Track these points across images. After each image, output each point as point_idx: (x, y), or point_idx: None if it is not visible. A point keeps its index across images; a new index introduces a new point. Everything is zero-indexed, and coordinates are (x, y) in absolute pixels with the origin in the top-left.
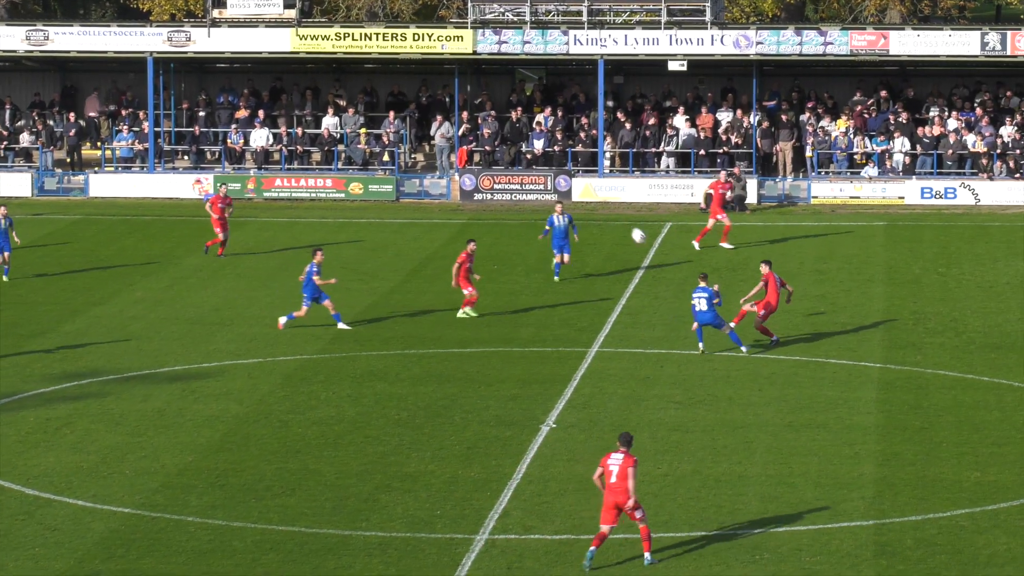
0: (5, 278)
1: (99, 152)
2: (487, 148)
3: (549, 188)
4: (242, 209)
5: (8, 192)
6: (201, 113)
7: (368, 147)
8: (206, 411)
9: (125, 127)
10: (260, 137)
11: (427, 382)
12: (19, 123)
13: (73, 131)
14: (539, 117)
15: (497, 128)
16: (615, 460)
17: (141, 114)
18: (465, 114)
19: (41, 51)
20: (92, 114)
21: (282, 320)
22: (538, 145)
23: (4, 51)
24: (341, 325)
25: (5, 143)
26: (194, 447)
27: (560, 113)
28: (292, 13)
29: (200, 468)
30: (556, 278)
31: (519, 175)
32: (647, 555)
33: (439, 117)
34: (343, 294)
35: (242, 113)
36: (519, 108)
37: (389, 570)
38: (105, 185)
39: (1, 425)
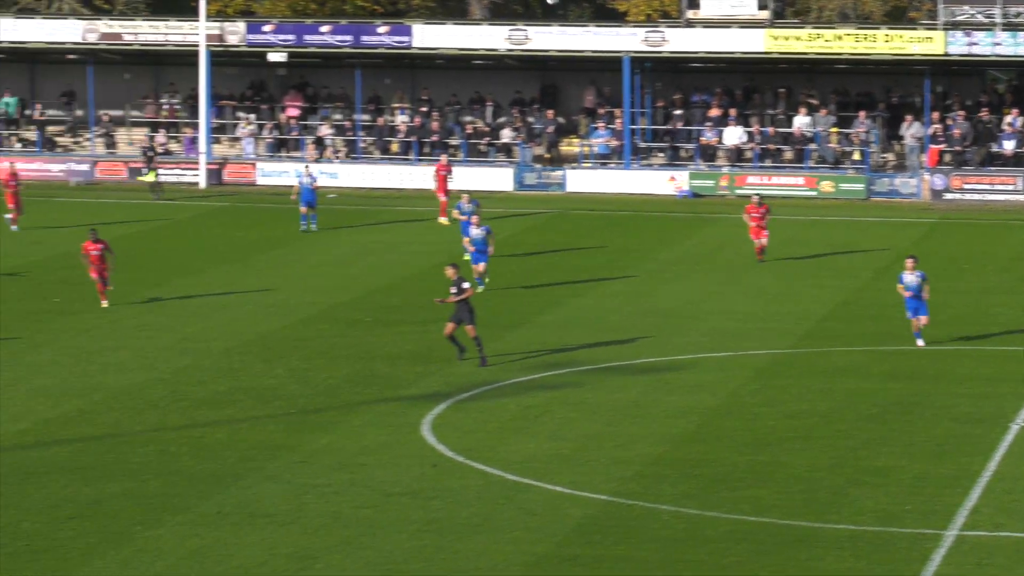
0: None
1: (577, 148)
2: (957, 148)
3: (1020, 188)
4: (713, 205)
5: (489, 186)
6: (676, 111)
7: (839, 146)
8: (679, 403)
9: (602, 124)
10: (733, 135)
11: (897, 379)
12: (500, 120)
13: (552, 128)
14: (1008, 118)
15: (968, 129)
16: None
17: (617, 112)
18: (936, 114)
19: (522, 50)
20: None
21: None
22: (1008, 146)
23: (486, 50)
24: None
25: (487, 139)
26: (667, 437)
27: None
28: (765, 14)
29: (673, 458)
30: None
31: (989, 175)
32: None
33: (909, 117)
34: (816, 291)
35: (715, 111)
36: (987, 109)
37: (859, 563)
38: (582, 180)
39: (482, 412)
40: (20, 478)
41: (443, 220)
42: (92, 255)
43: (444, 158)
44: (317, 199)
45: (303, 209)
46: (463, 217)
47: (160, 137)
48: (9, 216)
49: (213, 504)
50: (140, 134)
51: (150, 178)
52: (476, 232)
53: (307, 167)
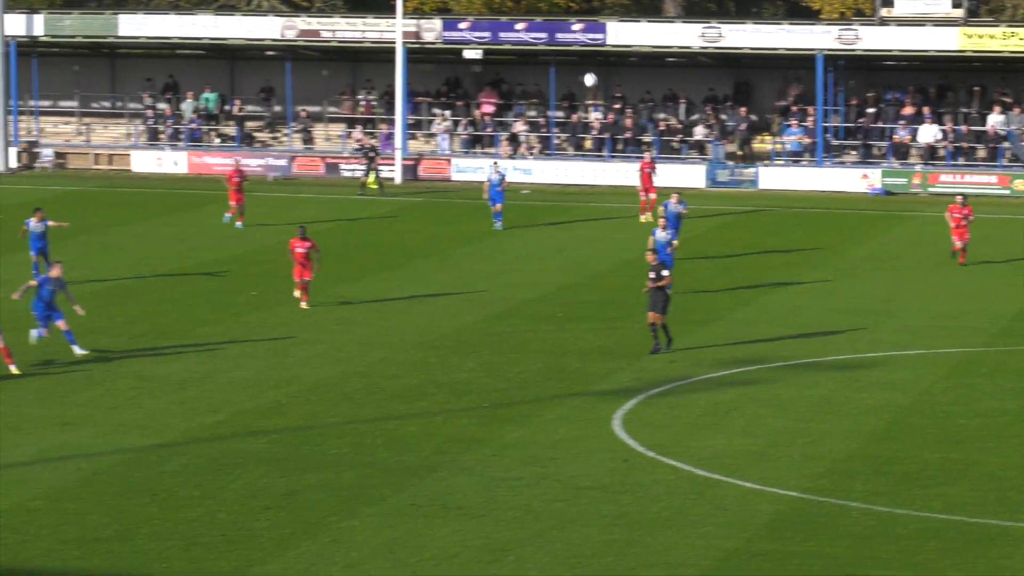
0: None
1: (769, 146)
2: None
3: None
4: (906, 203)
5: (681, 183)
6: (869, 109)
7: None
8: (870, 400)
9: (795, 122)
10: (927, 133)
11: None
12: (693, 117)
13: (744, 125)
14: None
15: None
16: None
17: (810, 109)
18: None
19: (715, 47)
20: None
21: None
22: None
23: (680, 47)
24: None
25: (680, 136)
26: (858, 434)
27: None
28: (959, 12)
29: (864, 455)
30: None
31: None
32: None
33: None
34: (1009, 289)
35: (908, 109)
36: None
37: None
38: (774, 177)
39: (673, 408)
40: (216, 469)
41: (644, 218)
42: (297, 252)
43: (648, 155)
44: (504, 197)
45: (496, 207)
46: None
47: (356, 133)
48: (229, 214)
49: (407, 496)
50: (336, 130)
51: (371, 181)
52: (661, 235)
53: (495, 163)
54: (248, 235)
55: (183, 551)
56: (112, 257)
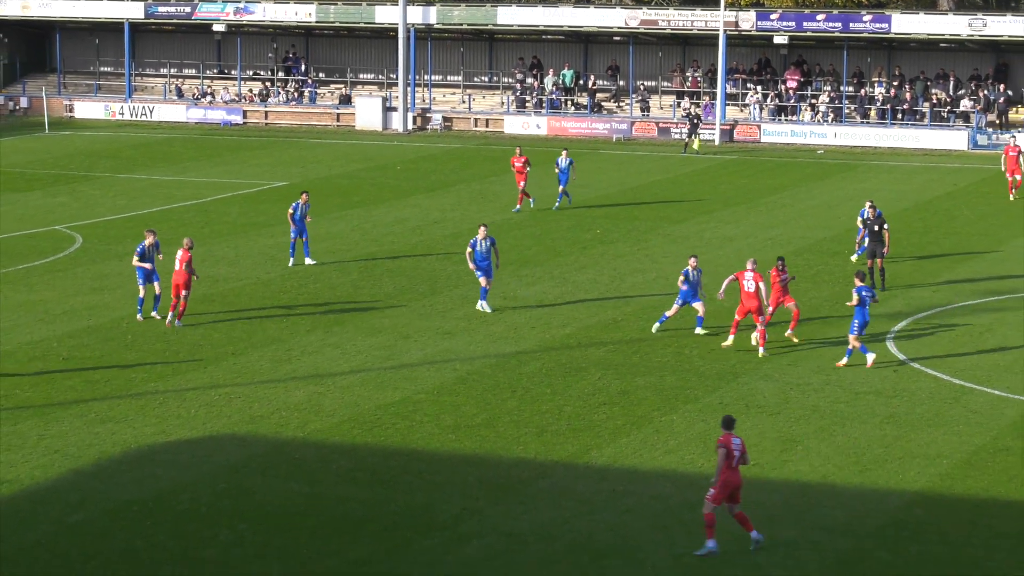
0: None
1: (1023, 116)
2: None
3: None
4: None
5: (949, 146)
6: None
7: None
8: None
9: None
10: None
11: None
12: (960, 92)
13: (1003, 99)
14: None
15: None
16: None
17: None
18: None
19: (980, 35)
20: None
21: None
22: None
23: (951, 35)
24: None
25: (948, 108)
26: None
27: None
28: None
29: None
30: None
31: None
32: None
33: None
34: None
35: None
36: None
37: None
38: None
39: (936, 329)
40: (565, 371)
41: (1013, 197)
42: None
43: (1013, 140)
44: (568, 178)
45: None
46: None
47: (685, 102)
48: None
49: (717, 397)
50: (668, 100)
51: (696, 145)
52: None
53: (565, 150)
54: (594, 183)
55: (536, 436)
56: (487, 203)
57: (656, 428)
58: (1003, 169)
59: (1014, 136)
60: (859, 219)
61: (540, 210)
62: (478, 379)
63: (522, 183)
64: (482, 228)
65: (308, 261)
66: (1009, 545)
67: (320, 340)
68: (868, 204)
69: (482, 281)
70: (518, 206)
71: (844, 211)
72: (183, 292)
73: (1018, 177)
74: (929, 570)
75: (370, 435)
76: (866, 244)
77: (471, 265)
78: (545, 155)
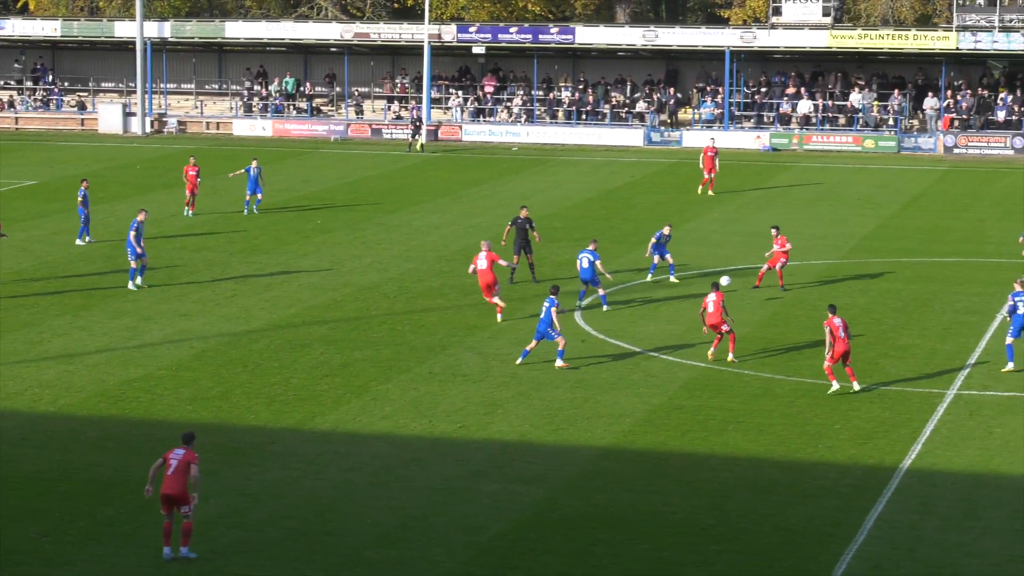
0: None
1: (690, 116)
2: (964, 117)
3: (1009, 146)
4: (787, 157)
5: (625, 143)
6: (762, 89)
7: (879, 115)
8: (760, 295)
9: (709, 99)
10: (804, 106)
11: (916, 281)
12: (636, 95)
13: (673, 101)
14: (1001, 95)
15: (972, 102)
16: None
17: (720, 89)
18: (948, 92)
19: (653, 45)
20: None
21: None
22: (1001, 115)
23: (627, 45)
24: None
25: (626, 109)
26: (751, 323)
27: (1019, 92)
28: (828, 19)
29: (754, 337)
30: None
31: (987, 136)
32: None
33: (930, 94)
34: (859, 218)
35: (791, 89)
36: (986, 88)
37: (884, 413)
38: (693, 138)
39: (619, 305)
40: (291, 347)
41: (700, 190)
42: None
43: (712, 141)
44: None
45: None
46: None
47: (395, 106)
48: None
49: (426, 367)
50: (380, 105)
51: (419, 146)
52: None
53: (666, 229)
54: (314, 179)
55: (266, 406)
56: (219, 198)
57: (374, 396)
58: (701, 167)
59: (713, 138)
60: (653, 239)
61: (266, 210)
62: (213, 355)
63: (193, 190)
64: (141, 213)
65: (78, 242)
66: (686, 492)
67: (68, 323)
68: (668, 225)
69: (133, 263)
70: (191, 211)
71: (537, 200)
72: None
73: (713, 176)
74: (615, 514)
75: (116, 408)
76: (655, 260)
77: (138, 249)
78: (270, 155)
